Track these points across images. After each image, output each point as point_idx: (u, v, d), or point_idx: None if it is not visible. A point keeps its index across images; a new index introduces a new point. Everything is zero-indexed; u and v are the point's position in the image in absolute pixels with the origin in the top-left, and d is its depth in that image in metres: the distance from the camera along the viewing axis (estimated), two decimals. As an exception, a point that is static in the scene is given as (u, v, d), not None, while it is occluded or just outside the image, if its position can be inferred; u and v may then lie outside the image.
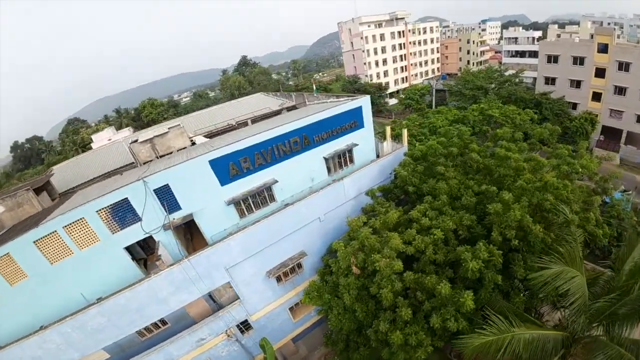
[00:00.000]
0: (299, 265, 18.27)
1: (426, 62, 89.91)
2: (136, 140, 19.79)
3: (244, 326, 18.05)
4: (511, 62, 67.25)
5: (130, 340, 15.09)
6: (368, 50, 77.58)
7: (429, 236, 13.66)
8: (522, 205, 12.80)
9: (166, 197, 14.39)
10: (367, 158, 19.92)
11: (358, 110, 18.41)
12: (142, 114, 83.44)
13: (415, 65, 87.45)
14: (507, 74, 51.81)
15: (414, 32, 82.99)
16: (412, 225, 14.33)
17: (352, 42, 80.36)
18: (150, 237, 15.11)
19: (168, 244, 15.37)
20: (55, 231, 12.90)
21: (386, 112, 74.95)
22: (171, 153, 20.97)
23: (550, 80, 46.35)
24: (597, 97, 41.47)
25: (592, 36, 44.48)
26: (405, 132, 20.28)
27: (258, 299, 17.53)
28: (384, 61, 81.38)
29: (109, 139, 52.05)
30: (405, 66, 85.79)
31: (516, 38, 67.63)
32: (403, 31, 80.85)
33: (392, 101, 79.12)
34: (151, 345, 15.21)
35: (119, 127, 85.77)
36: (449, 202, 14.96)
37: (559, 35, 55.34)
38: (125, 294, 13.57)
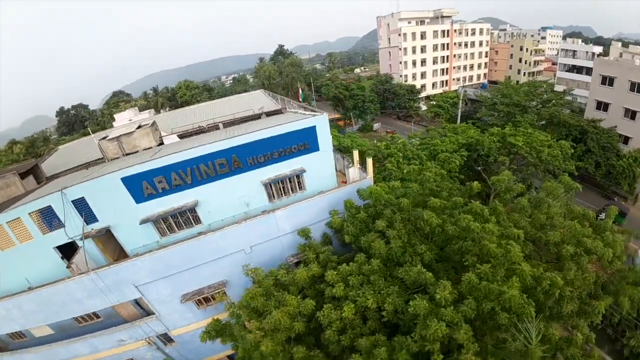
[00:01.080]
0: (224, 293, 16.56)
1: (471, 67, 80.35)
2: (105, 137, 19.94)
3: (166, 338, 17.65)
4: (566, 77, 57.36)
5: (70, 323, 16.22)
6: (405, 49, 71.29)
7: (336, 310, 10.83)
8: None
9: (83, 208, 14.40)
10: (323, 185, 16.94)
11: (310, 131, 15.46)
12: (177, 95, 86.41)
13: (459, 69, 78.88)
14: (553, 90, 44.04)
15: (460, 33, 74.45)
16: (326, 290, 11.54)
17: (389, 39, 74.51)
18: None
19: (91, 250, 15.25)
20: (1, 225, 14.34)
21: (416, 118, 69.13)
22: (137, 152, 20.80)
23: (602, 106, 37.79)
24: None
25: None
26: (370, 161, 16.64)
27: (178, 317, 16.81)
28: (423, 62, 74.36)
29: (130, 120, 54.20)
30: (447, 69, 77.88)
31: (574, 51, 57.32)
32: (448, 31, 72.97)
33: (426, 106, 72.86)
34: (88, 332, 16.27)
35: (156, 106, 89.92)
36: (382, 270, 11.56)
37: (621, 55, 45.65)
38: (47, 289, 14.38)
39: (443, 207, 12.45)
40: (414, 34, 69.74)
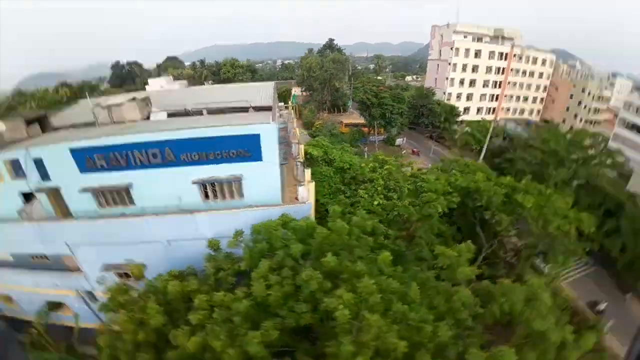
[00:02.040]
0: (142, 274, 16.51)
1: (525, 99, 72.37)
2: (98, 105, 21.04)
3: (91, 297, 19.12)
4: (623, 136, 49.60)
5: (26, 257, 18.36)
6: (455, 65, 65.77)
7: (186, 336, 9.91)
8: None
9: (41, 167, 15.70)
10: (265, 197, 15.93)
11: (252, 139, 14.43)
12: (222, 71, 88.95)
13: (511, 98, 72.01)
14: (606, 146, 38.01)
15: (520, 59, 67.39)
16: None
17: (440, 51, 69.26)
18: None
19: (45, 203, 16.95)
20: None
21: (450, 142, 64.36)
22: (123, 122, 21.69)
23: None
24: None
25: None
26: (312, 186, 15.07)
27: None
28: (472, 82, 68.29)
29: (161, 87, 56.78)
30: (497, 96, 71.59)
31: (639, 107, 49.05)
32: (507, 54, 66.43)
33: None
34: (38, 268, 18.29)
35: (200, 77, 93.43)
36: (251, 315, 10.33)
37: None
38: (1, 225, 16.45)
39: (338, 270, 10.59)
40: (467, 50, 64.14)
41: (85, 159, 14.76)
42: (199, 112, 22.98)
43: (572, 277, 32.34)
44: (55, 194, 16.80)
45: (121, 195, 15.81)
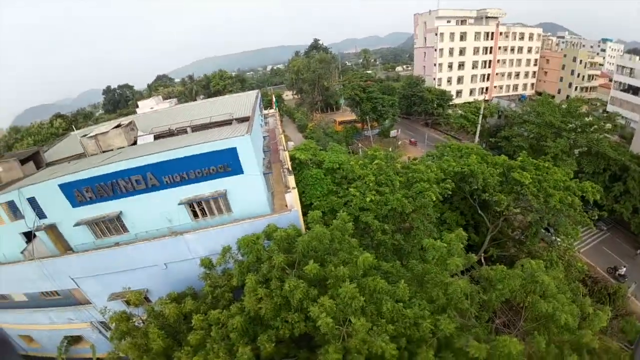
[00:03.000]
0: (147, 299, 17.15)
1: (517, 75, 70.74)
2: (85, 135, 21.92)
3: (105, 326, 18.83)
4: (620, 98, 48.46)
5: (37, 295, 18.60)
6: (442, 50, 65.11)
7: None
8: None
9: (35, 206, 15.87)
10: (252, 209, 15.81)
11: (230, 152, 14.27)
12: (211, 84, 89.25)
13: (502, 76, 70.90)
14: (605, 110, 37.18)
15: (507, 36, 66.35)
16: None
17: (425, 38, 68.72)
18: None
19: (46, 241, 17.07)
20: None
21: (445, 126, 63.70)
22: (112, 150, 21.94)
23: None
24: None
25: None
26: (295, 192, 14.76)
27: (112, 308, 17.01)
28: (461, 65, 67.42)
29: (151, 108, 57.07)
30: (489, 75, 70.71)
31: (631, 69, 47.99)
32: (493, 33, 65.54)
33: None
34: (51, 305, 18.66)
35: (190, 93, 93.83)
36: (244, 330, 10.15)
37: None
38: (7, 267, 16.88)
39: (322, 276, 10.35)
40: (452, 34, 63.42)
41: (74, 193, 14.87)
42: (183, 131, 23.04)
43: (589, 245, 31.82)
44: (53, 230, 16.96)
45: (114, 224, 15.90)
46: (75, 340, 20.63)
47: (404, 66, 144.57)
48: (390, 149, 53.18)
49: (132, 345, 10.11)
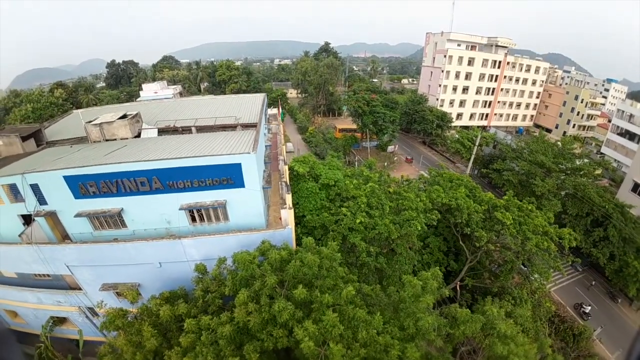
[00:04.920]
0: (137, 293, 17.36)
1: (518, 105, 73.17)
2: (90, 122, 22.30)
3: (92, 312, 20.16)
4: (616, 141, 50.82)
5: (29, 274, 19.05)
6: (448, 72, 66.88)
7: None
8: None
9: (37, 192, 16.49)
10: (249, 220, 16.85)
11: (234, 167, 15.20)
12: (217, 73, 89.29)
13: (504, 104, 73.09)
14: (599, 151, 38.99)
15: (514, 67, 68.59)
16: None
17: (434, 58, 70.55)
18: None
19: (44, 225, 17.68)
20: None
21: (441, 147, 65.33)
22: (115, 139, 22.65)
23: (639, 190, 33.51)
24: None
25: None
26: (291, 213, 15.99)
27: (102, 297, 18.03)
28: (465, 89, 69.28)
29: (155, 92, 57.28)
30: (491, 102, 72.78)
31: (631, 115, 50.40)
32: (500, 62, 67.62)
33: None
34: (41, 285, 19.21)
35: (195, 79, 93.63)
36: (233, 338, 11.12)
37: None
38: (3, 248, 17.39)
39: (309, 300, 11.43)
40: (460, 58, 65.15)
41: (78, 186, 15.52)
42: (188, 129, 23.85)
43: (562, 284, 33.63)
44: (52, 217, 17.59)
45: (114, 219, 16.61)
46: (60, 321, 21.28)
47: (410, 79, 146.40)
48: (385, 164, 54.66)
49: (127, 342, 11.04)
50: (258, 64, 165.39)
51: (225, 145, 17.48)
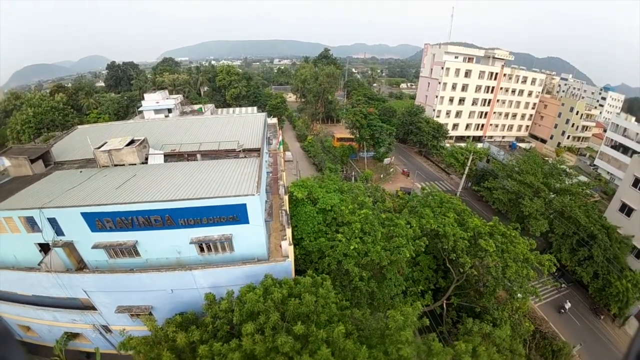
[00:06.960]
0: (150, 314, 19.75)
1: (514, 116, 75.46)
2: (99, 147, 23.84)
3: (106, 329, 21.82)
4: (609, 154, 52.97)
5: (45, 296, 20.26)
6: (445, 84, 68.97)
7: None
8: None
9: (55, 225, 18.09)
10: (252, 252, 18.78)
11: (240, 207, 17.06)
12: (217, 78, 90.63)
13: (500, 115, 75.19)
14: (577, 180, 40.98)
15: (510, 79, 70.65)
16: None
17: (431, 69, 72.50)
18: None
19: (60, 254, 19.37)
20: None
21: (437, 158, 67.22)
22: (123, 165, 24.31)
23: (626, 210, 35.51)
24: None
25: None
26: (291, 249, 18.03)
27: (116, 319, 20.57)
28: (461, 100, 71.22)
29: (157, 102, 58.86)
30: (487, 113, 74.83)
31: (625, 128, 52.49)
32: (497, 74, 69.65)
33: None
34: (56, 304, 20.49)
35: (195, 84, 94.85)
36: None
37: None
38: (22, 273, 18.92)
39: (306, 334, 13.26)
40: (457, 70, 67.03)
41: (95, 222, 17.26)
42: (193, 155, 25.55)
43: (547, 300, 35.60)
44: (69, 246, 19.21)
45: (129, 250, 18.42)
46: (73, 335, 22.97)
47: (409, 84, 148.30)
48: (382, 176, 56.62)
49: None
50: (258, 63, 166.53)
51: (231, 180, 19.26)
